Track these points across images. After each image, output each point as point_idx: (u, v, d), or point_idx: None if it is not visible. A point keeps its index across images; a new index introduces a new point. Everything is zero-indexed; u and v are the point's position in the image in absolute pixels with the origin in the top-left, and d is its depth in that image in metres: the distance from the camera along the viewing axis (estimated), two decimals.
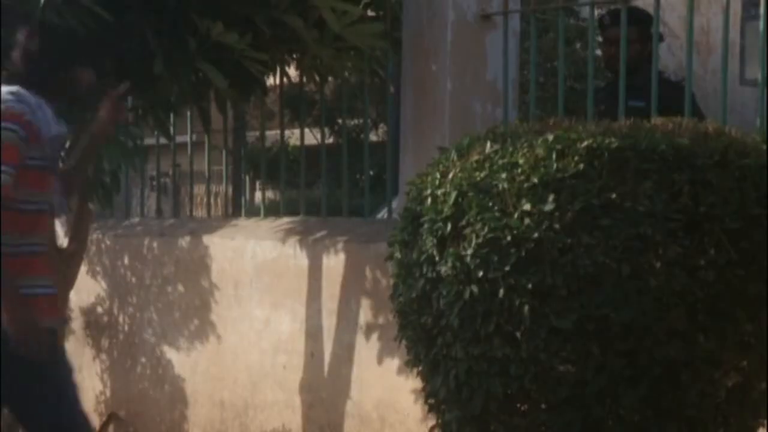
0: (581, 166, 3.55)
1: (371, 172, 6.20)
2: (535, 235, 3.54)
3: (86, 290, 6.58)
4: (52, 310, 3.89)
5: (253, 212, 6.72)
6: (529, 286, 3.53)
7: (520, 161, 3.63)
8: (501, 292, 3.56)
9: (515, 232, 3.56)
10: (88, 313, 6.64)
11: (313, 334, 5.49)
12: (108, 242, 6.59)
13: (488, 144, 3.81)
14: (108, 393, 6.55)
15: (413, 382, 4.65)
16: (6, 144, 3.66)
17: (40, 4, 4.51)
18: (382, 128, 10.00)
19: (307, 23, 5.07)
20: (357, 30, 5.07)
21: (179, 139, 6.55)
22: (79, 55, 4.09)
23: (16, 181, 3.67)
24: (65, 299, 4.36)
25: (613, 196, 3.50)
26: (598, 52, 6.04)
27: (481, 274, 3.58)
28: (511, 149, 3.72)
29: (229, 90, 5.11)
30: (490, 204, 3.61)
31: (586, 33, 6.20)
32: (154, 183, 8.08)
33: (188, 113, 6.29)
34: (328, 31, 5.07)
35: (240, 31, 4.82)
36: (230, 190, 7.55)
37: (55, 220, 3.98)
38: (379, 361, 5.17)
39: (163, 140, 6.47)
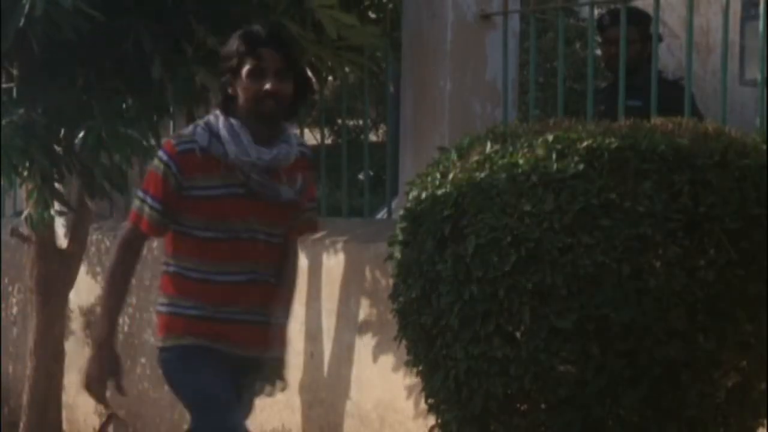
0: (581, 166, 3.55)
1: (371, 173, 6.19)
2: (535, 235, 3.54)
3: (86, 290, 6.58)
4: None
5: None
6: (529, 286, 3.54)
7: (520, 161, 3.63)
8: (501, 292, 3.56)
9: (515, 232, 3.56)
10: (88, 313, 6.64)
11: (313, 334, 5.48)
12: (108, 243, 6.59)
13: (488, 144, 3.81)
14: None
15: (413, 382, 4.65)
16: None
17: (25, 12, 4.51)
18: (382, 128, 9.99)
19: (305, 26, 5.07)
20: (356, 31, 5.08)
21: None
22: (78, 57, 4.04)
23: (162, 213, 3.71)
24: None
25: (613, 196, 3.50)
26: (598, 52, 6.04)
27: (480, 274, 3.58)
28: (511, 149, 3.72)
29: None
30: (490, 204, 3.61)
31: (585, 33, 6.21)
32: None
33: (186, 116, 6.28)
34: (327, 35, 5.08)
35: None
36: None
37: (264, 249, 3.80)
38: (379, 361, 5.16)
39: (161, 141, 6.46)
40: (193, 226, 3.71)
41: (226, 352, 3.75)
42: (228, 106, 3.72)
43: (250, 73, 3.65)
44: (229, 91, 3.72)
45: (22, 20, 4.53)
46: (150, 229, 3.74)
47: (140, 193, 3.74)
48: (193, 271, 3.75)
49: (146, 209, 3.71)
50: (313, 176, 3.92)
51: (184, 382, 3.80)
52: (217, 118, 3.71)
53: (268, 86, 3.63)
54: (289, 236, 3.87)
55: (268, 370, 3.88)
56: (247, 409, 3.92)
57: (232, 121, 3.68)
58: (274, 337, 3.84)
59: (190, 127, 3.76)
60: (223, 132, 3.67)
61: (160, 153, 3.71)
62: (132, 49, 4.81)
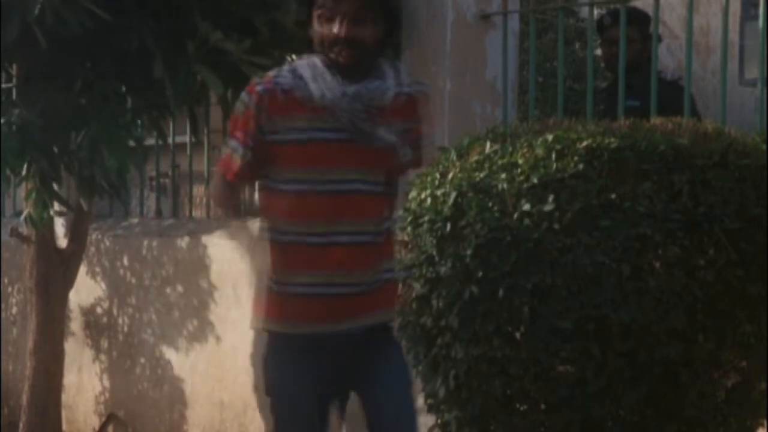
0: (581, 166, 3.55)
1: None
2: (535, 235, 3.54)
3: (86, 291, 6.58)
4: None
5: (252, 212, 6.72)
6: (529, 286, 3.54)
7: (520, 161, 3.63)
8: (501, 292, 3.56)
9: (515, 232, 3.56)
10: (88, 313, 6.64)
11: None
12: (107, 243, 6.59)
13: (488, 144, 3.81)
14: (107, 393, 6.55)
15: (413, 383, 4.64)
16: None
17: (38, 4, 4.51)
18: None
19: (307, 25, 5.07)
20: None
21: (178, 139, 6.55)
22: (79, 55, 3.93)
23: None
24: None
25: (613, 196, 3.50)
26: (598, 52, 6.04)
27: (480, 274, 3.58)
28: (510, 149, 3.72)
29: (227, 94, 5.11)
30: (490, 204, 3.61)
31: (585, 33, 6.21)
32: (154, 183, 8.08)
33: (187, 115, 6.29)
34: None
35: (239, 34, 4.82)
36: None
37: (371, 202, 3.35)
38: None
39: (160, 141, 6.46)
40: (281, 179, 3.31)
41: (321, 333, 3.31)
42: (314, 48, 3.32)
43: (320, 16, 3.26)
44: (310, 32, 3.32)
45: (35, 12, 4.52)
46: (236, 176, 3.35)
47: (226, 140, 3.40)
48: (283, 233, 3.31)
49: (232, 155, 3.34)
50: (422, 115, 3.43)
51: (271, 385, 3.44)
52: (302, 59, 3.35)
53: (338, 31, 3.21)
54: (388, 177, 3.42)
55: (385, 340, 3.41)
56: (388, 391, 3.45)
57: (315, 59, 3.30)
58: (378, 299, 3.38)
59: (276, 69, 3.40)
60: (305, 71, 3.28)
61: (243, 95, 3.35)
62: (134, 48, 4.82)
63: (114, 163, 5.10)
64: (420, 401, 4.20)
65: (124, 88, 5.14)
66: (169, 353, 6.19)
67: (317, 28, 3.24)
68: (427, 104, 3.47)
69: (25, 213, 5.51)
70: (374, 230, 3.32)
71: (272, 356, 3.40)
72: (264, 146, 3.29)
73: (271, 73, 3.34)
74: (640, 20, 5.48)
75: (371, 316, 3.36)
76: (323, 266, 3.27)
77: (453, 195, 3.70)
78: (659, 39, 5.03)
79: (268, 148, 3.28)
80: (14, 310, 7.14)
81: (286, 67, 3.34)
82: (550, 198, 3.54)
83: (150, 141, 6.35)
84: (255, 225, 6.02)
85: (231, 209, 3.53)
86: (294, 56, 5.56)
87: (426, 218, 3.77)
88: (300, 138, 3.26)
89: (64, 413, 6.25)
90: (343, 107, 3.23)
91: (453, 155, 3.90)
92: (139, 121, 5.39)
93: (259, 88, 3.30)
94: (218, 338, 5.93)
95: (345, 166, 3.27)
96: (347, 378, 3.44)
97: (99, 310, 6.60)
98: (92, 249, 6.54)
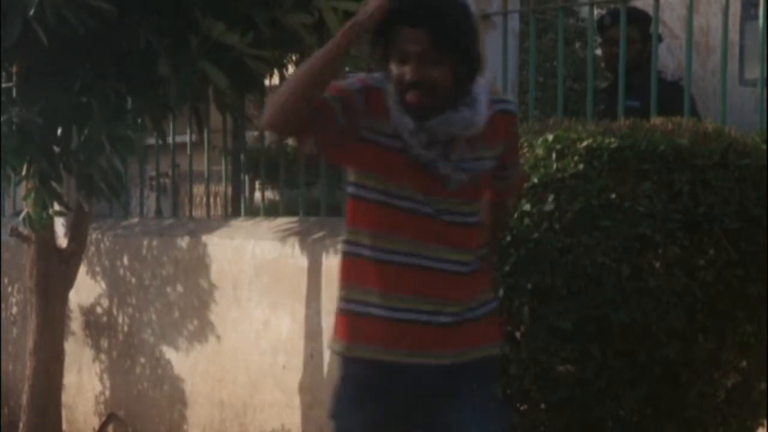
0: (581, 166, 3.55)
1: None
2: (535, 235, 3.54)
3: (86, 290, 6.58)
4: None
5: (252, 212, 6.71)
6: (529, 286, 3.54)
7: (520, 161, 3.63)
8: (501, 292, 3.56)
9: (515, 232, 3.56)
10: (88, 313, 6.64)
11: (313, 334, 5.48)
12: (107, 242, 6.59)
13: None
14: (107, 393, 6.55)
15: None
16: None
17: (35, 2, 4.50)
18: None
19: (312, 21, 5.08)
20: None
21: (179, 139, 6.55)
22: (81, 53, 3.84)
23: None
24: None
25: (613, 196, 3.50)
26: (598, 52, 6.04)
27: None
28: None
29: (228, 90, 5.11)
30: None
31: (585, 33, 6.21)
32: (154, 183, 8.08)
33: (189, 113, 6.29)
34: (328, 31, 5.08)
35: (241, 31, 4.83)
36: (229, 190, 7.55)
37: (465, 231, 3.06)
38: None
39: (161, 140, 6.46)
40: (367, 185, 3.04)
41: (397, 362, 3.02)
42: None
43: (394, 55, 2.98)
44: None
45: (33, 9, 4.52)
46: (318, 103, 2.97)
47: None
48: (367, 247, 3.03)
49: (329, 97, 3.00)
50: (516, 130, 3.21)
51: (336, 418, 3.22)
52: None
53: (407, 74, 2.95)
54: (488, 198, 3.18)
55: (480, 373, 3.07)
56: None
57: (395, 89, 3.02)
58: (477, 331, 3.07)
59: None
60: (384, 88, 3.03)
61: (350, 80, 3.08)
62: (138, 46, 4.82)
63: (116, 160, 5.10)
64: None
65: (124, 88, 5.14)
66: (169, 353, 6.19)
67: (392, 68, 2.99)
68: (516, 124, 3.21)
69: (23, 213, 5.51)
70: (466, 260, 3.05)
71: (341, 383, 3.14)
72: (356, 134, 3.01)
73: (375, 75, 3.10)
74: (640, 20, 5.48)
75: (455, 355, 3.04)
76: (405, 289, 3.01)
77: None
78: (659, 39, 5.02)
79: (359, 141, 3.01)
80: (14, 310, 7.14)
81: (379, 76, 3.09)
82: (550, 198, 3.55)
83: (150, 141, 6.36)
84: (255, 225, 6.02)
85: (285, 123, 2.99)
86: (295, 56, 5.58)
87: None
88: (390, 144, 3.01)
89: (64, 413, 6.24)
90: (413, 143, 2.99)
91: None
92: (139, 121, 5.39)
93: (368, 81, 3.06)
94: (218, 338, 5.93)
95: (433, 194, 3.02)
96: (419, 420, 3.08)
97: (99, 309, 6.60)
98: (92, 249, 6.54)
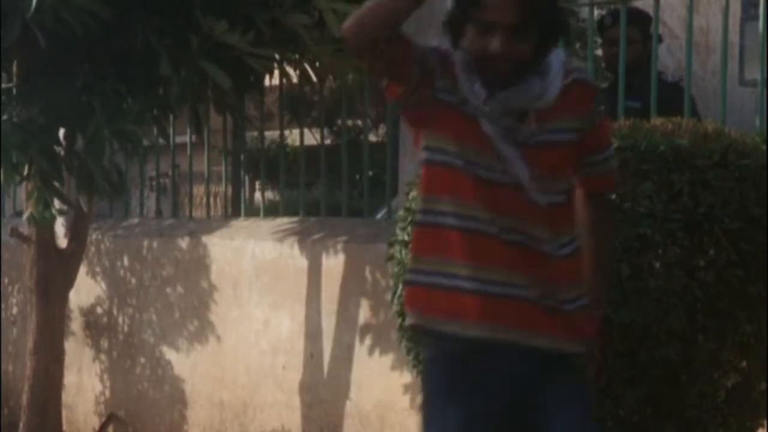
0: None
1: (371, 173, 6.19)
2: None
3: (86, 291, 6.58)
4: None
5: (252, 213, 6.72)
6: None
7: None
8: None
9: None
10: (88, 313, 6.64)
11: (313, 334, 5.48)
12: (107, 243, 6.59)
13: None
14: (107, 393, 6.55)
15: (413, 383, 4.65)
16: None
17: (33, 5, 4.51)
18: (382, 129, 10.01)
19: (312, 22, 5.08)
20: None
21: (179, 139, 6.55)
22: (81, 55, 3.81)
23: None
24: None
25: (613, 196, 3.49)
26: (599, 52, 6.04)
27: None
28: None
29: (229, 90, 5.12)
30: None
31: (585, 33, 6.20)
32: (154, 183, 8.08)
33: (189, 114, 6.29)
34: (329, 31, 5.09)
35: (241, 31, 4.83)
36: (229, 190, 7.55)
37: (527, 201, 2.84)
38: (379, 361, 5.16)
39: (162, 140, 6.47)
40: (443, 149, 2.87)
41: (483, 338, 2.83)
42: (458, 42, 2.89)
43: (476, 24, 2.83)
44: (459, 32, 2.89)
45: (30, 12, 4.52)
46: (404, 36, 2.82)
47: None
48: (448, 215, 2.86)
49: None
50: (598, 111, 2.96)
51: (426, 403, 3.00)
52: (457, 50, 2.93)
53: (494, 47, 2.80)
54: (580, 190, 2.99)
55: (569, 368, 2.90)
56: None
57: (468, 58, 2.87)
58: (572, 325, 2.88)
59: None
60: (457, 56, 2.90)
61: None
62: (137, 46, 4.82)
63: (117, 158, 5.10)
64: (420, 401, 4.21)
65: (124, 88, 5.14)
66: (170, 353, 6.19)
67: (472, 37, 2.83)
68: (596, 100, 2.98)
69: (27, 213, 5.52)
70: (552, 240, 2.86)
71: (431, 366, 2.97)
72: (431, 95, 2.85)
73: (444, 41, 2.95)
74: (640, 20, 5.48)
75: (549, 339, 2.86)
76: (495, 262, 2.83)
77: None
78: (660, 39, 5.02)
79: (433, 102, 2.86)
80: (14, 310, 7.14)
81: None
82: None
83: (150, 141, 6.36)
84: (255, 225, 6.02)
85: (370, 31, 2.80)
86: (295, 56, 5.58)
87: None
88: (465, 109, 2.85)
89: (64, 413, 6.24)
90: (484, 114, 2.83)
91: None
92: (141, 120, 5.39)
93: (441, 44, 2.92)
94: (218, 338, 5.93)
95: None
96: (514, 404, 2.89)
97: (99, 310, 6.60)
98: (92, 249, 6.54)
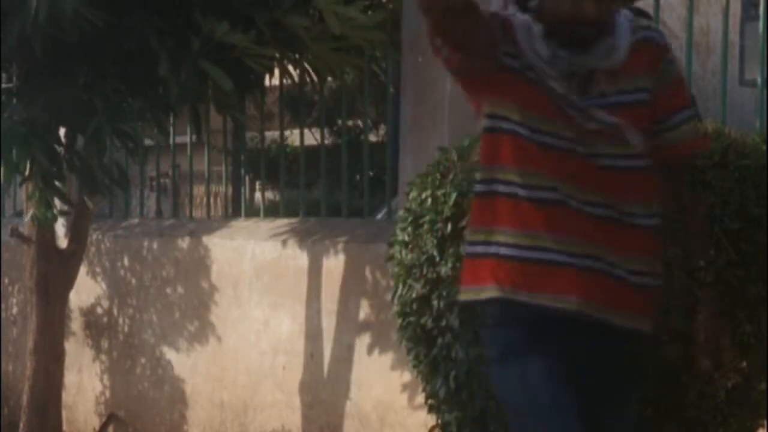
0: None
1: (371, 173, 6.19)
2: None
3: (86, 291, 6.58)
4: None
5: (252, 213, 6.72)
6: None
7: None
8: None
9: None
10: (88, 313, 6.64)
11: (313, 334, 5.48)
12: (107, 243, 6.59)
13: None
14: (108, 393, 6.55)
15: (413, 383, 4.65)
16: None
17: (30, 17, 4.52)
18: (382, 129, 10.01)
19: (311, 22, 5.09)
20: (360, 25, 5.09)
21: (179, 139, 6.55)
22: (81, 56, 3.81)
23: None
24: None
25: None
26: None
27: None
28: None
29: (229, 90, 5.12)
30: None
31: None
32: (154, 183, 8.08)
33: (189, 114, 6.29)
34: (328, 29, 5.09)
35: (241, 31, 4.84)
36: (230, 190, 7.56)
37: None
38: (379, 361, 5.16)
39: (162, 140, 6.47)
40: (507, 117, 2.76)
41: (569, 311, 2.70)
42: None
43: None
44: None
45: (28, 24, 4.54)
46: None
47: None
48: (509, 184, 2.74)
49: None
50: (669, 69, 2.83)
51: (499, 373, 2.80)
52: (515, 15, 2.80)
53: (590, 9, 2.68)
54: (658, 156, 2.83)
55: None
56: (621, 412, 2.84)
57: (530, 21, 2.76)
58: (645, 301, 2.79)
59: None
60: (518, 21, 2.78)
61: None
62: (137, 47, 4.83)
63: (119, 156, 5.11)
64: (420, 402, 4.21)
65: (124, 88, 5.15)
66: (170, 353, 6.19)
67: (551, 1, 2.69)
68: (668, 59, 2.85)
69: (30, 213, 5.52)
70: (629, 210, 2.73)
71: (508, 327, 2.76)
72: (495, 62, 2.73)
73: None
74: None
75: (631, 317, 2.76)
76: (572, 233, 2.69)
77: (454, 195, 3.69)
78: None
79: (499, 73, 2.74)
80: (14, 310, 7.14)
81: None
82: None
83: (150, 141, 6.36)
84: (256, 225, 6.03)
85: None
86: (295, 55, 5.58)
87: (427, 218, 3.76)
88: (529, 76, 2.73)
89: (64, 413, 6.25)
90: (549, 75, 2.71)
91: (453, 156, 3.90)
92: (140, 123, 5.40)
93: (500, 9, 2.80)
94: (219, 338, 5.93)
95: (579, 132, 2.72)
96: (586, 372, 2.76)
97: (99, 310, 6.60)
98: (92, 249, 6.54)
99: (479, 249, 2.79)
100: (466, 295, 2.84)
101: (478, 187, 2.83)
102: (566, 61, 2.71)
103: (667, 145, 2.85)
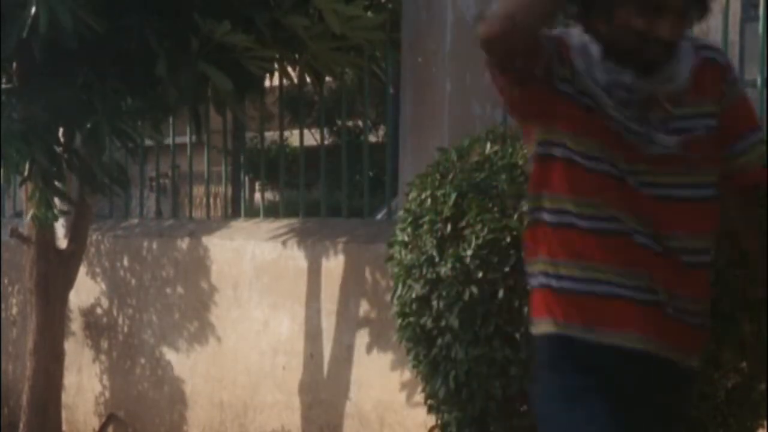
0: None
1: (370, 173, 6.19)
2: None
3: (86, 291, 6.58)
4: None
5: (252, 213, 6.72)
6: (529, 287, 3.53)
7: (520, 162, 3.63)
8: (501, 293, 3.56)
9: (515, 233, 3.56)
10: (88, 313, 6.64)
11: (313, 335, 5.48)
12: (107, 243, 6.59)
13: (488, 145, 3.81)
14: (107, 394, 6.55)
15: (412, 383, 4.65)
16: None
17: (27, 23, 4.53)
18: (382, 129, 10.01)
19: (311, 23, 5.09)
20: (360, 24, 5.09)
21: (179, 139, 6.55)
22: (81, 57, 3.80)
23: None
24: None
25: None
26: None
27: (480, 275, 3.58)
28: (510, 150, 3.72)
29: (229, 91, 5.12)
30: (490, 205, 3.61)
31: None
32: (154, 184, 8.09)
33: (189, 114, 6.29)
34: (329, 28, 5.09)
35: (241, 32, 4.84)
36: (229, 191, 7.55)
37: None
38: (379, 362, 5.16)
39: (161, 140, 6.47)
40: (561, 144, 2.62)
41: (617, 347, 2.58)
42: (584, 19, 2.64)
43: (640, 5, 2.54)
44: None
45: (25, 31, 4.55)
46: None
47: None
48: (560, 213, 2.62)
49: None
50: (732, 91, 2.69)
51: (556, 415, 2.66)
52: (570, 30, 2.71)
53: (664, 31, 2.56)
54: (727, 186, 2.69)
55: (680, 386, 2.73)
56: None
57: (587, 39, 2.65)
58: (696, 340, 2.71)
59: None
60: (573, 40, 2.66)
61: None
62: (136, 48, 4.83)
63: (118, 155, 5.12)
64: (420, 402, 4.21)
65: (124, 89, 5.15)
66: (169, 354, 6.19)
67: (629, 19, 2.55)
68: (731, 80, 2.71)
69: (30, 213, 5.53)
70: (686, 246, 2.61)
71: (569, 370, 2.63)
72: (548, 86, 2.60)
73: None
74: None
75: (685, 355, 2.68)
76: (630, 264, 2.57)
77: (453, 196, 3.69)
78: None
79: (549, 91, 2.60)
80: (14, 310, 7.14)
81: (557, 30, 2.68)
82: None
83: (149, 141, 6.36)
84: (255, 226, 6.03)
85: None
86: (295, 55, 5.59)
87: (426, 219, 3.76)
88: (583, 101, 2.60)
89: (64, 413, 6.25)
90: (607, 102, 2.58)
91: (453, 156, 3.90)
92: (139, 123, 5.40)
93: (556, 30, 2.68)
94: (218, 339, 5.93)
95: (635, 161, 2.58)
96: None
97: (99, 310, 6.60)
98: (92, 249, 6.54)
99: (533, 281, 2.70)
100: (536, 327, 2.72)
101: (532, 216, 2.70)
102: (626, 87, 2.58)
103: (736, 173, 2.71)
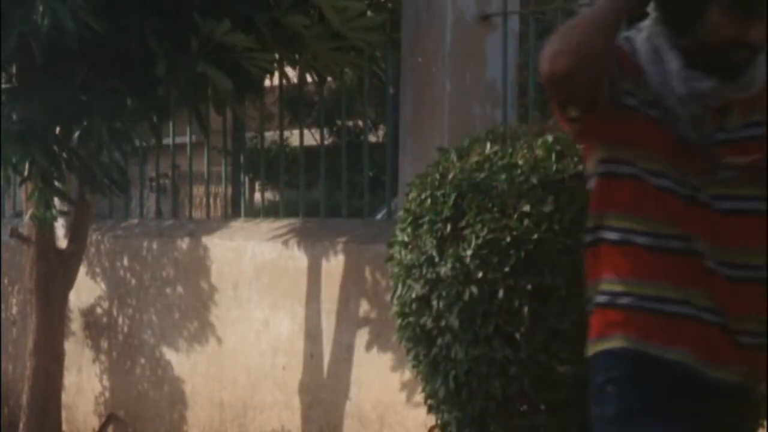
0: (581, 167, 3.55)
1: (370, 174, 6.20)
2: (535, 236, 3.54)
3: (86, 291, 6.58)
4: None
5: (252, 213, 6.72)
6: (529, 287, 3.54)
7: (520, 162, 3.63)
8: (500, 293, 3.56)
9: (515, 233, 3.56)
10: (88, 314, 6.64)
11: (313, 335, 5.48)
12: (107, 243, 6.59)
13: (488, 145, 3.82)
14: (107, 394, 6.55)
15: (412, 383, 4.65)
16: None
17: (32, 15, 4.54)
18: (382, 129, 10.01)
19: (311, 22, 5.09)
20: (356, 23, 5.09)
21: (179, 140, 6.55)
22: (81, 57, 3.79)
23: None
24: None
25: None
26: None
27: (480, 275, 3.58)
28: (510, 150, 3.72)
29: (229, 91, 5.12)
30: (490, 205, 3.62)
31: None
32: (153, 184, 8.08)
33: (189, 114, 6.29)
34: (329, 28, 5.10)
35: (241, 32, 4.84)
36: (229, 191, 7.55)
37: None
38: (379, 362, 5.16)
39: (161, 140, 6.47)
40: (625, 161, 2.48)
41: (687, 368, 2.48)
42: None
43: (730, 5, 2.40)
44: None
45: (27, 32, 4.56)
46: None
47: None
48: (623, 232, 2.49)
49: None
50: None
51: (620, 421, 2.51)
52: (639, 31, 2.61)
53: (757, 34, 2.40)
54: None
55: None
56: None
57: (660, 39, 2.54)
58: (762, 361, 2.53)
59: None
60: (640, 45, 2.55)
61: None
62: (136, 48, 4.83)
63: (117, 156, 5.12)
64: (420, 402, 4.21)
65: (124, 88, 5.15)
66: (169, 354, 6.19)
67: (719, 22, 2.41)
68: None
69: (29, 213, 5.53)
70: (754, 263, 2.48)
71: (634, 388, 2.50)
72: (615, 102, 2.45)
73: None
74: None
75: (746, 377, 2.54)
76: (698, 284, 2.46)
77: (453, 196, 3.70)
78: None
79: (614, 110, 2.45)
80: (14, 310, 7.14)
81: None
82: (550, 199, 3.55)
83: (150, 142, 6.36)
84: (255, 226, 6.03)
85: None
86: (295, 55, 5.59)
87: (426, 219, 3.77)
88: (650, 114, 2.45)
89: (64, 413, 6.25)
90: (681, 115, 2.45)
91: (453, 156, 3.90)
92: (138, 123, 5.40)
93: (618, 40, 2.55)
94: (218, 339, 5.93)
95: (704, 175, 2.46)
96: None
97: (99, 310, 6.60)
98: (92, 249, 6.54)
99: (599, 298, 2.55)
100: (593, 345, 2.57)
101: (588, 236, 2.57)
102: (704, 96, 2.44)
103: None
